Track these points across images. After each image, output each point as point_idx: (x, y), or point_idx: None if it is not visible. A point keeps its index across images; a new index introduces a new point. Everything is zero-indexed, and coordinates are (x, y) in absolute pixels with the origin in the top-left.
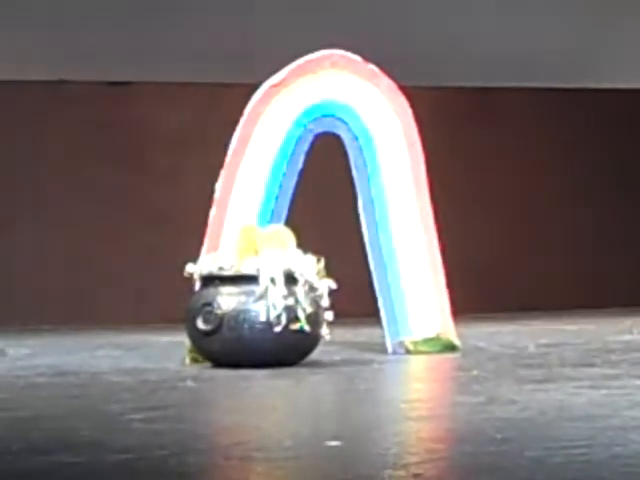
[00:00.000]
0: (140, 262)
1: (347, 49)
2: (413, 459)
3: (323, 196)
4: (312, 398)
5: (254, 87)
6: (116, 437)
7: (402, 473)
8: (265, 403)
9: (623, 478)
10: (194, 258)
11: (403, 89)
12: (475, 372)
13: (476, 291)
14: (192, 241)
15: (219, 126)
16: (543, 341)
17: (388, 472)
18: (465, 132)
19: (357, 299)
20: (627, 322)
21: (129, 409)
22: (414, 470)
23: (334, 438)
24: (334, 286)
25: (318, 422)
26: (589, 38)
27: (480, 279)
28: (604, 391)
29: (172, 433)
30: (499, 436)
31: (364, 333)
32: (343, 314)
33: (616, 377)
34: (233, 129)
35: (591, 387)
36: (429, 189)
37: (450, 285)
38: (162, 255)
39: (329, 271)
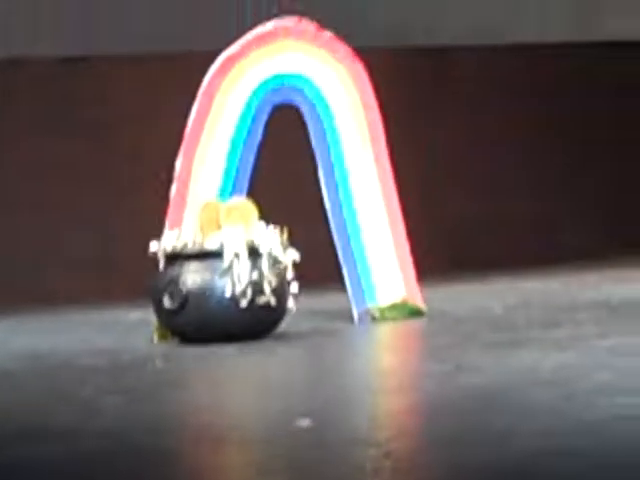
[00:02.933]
0: (103, 240)
1: (303, 15)
2: (383, 435)
3: (284, 167)
4: (281, 373)
5: (208, 55)
6: (90, 423)
7: (373, 452)
8: (235, 380)
9: (592, 446)
10: (157, 234)
11: (360, 54)
12: (442, 338)
13: (440, 253)
14: (154, 217)
15: (178, 98)
16: (509, 301)
17: (359, 451)
18: (426, 92)
19: (322, 268)
20: (591, 278)
21: (102, 392)
22: (385, 448)
23: (305, 415)
24: (298, 258)
25: (288, 399)
26: None
27: (444, 240)
28: (571, 353)
29: (144, 416)
30: (469, 407)
31: (330, 302)
32: (308, 284)
33: (582, 338)
34: (192, 100)
35: (558, 349)
36: (389, 153)
37: (413, 248)
38: (125, 232)
39: (293, 242)
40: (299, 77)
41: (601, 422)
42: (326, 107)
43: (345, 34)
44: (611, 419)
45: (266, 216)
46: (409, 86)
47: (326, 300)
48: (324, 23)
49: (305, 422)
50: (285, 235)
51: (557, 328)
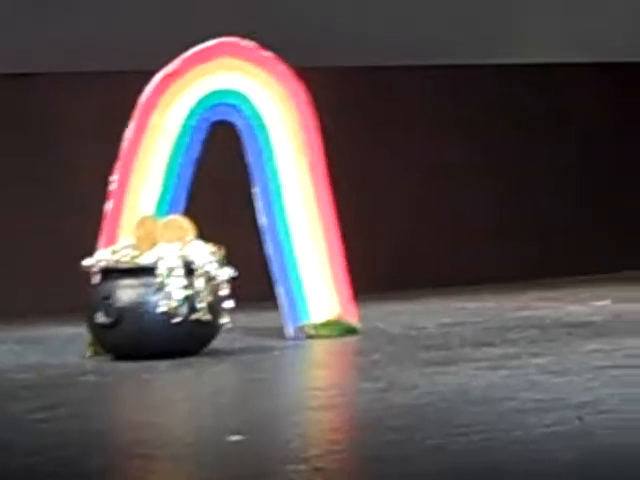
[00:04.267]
0: (37, 254)
1: (242, 35)
2: (314, 451)
3: (220, 184)
4: (213, 389)
5: (148, 75)
6: (19, 439)
7: (304, 467)
8: (167, 396)
9: (523, 463)
10: (92, 250)
11: (300, 72)
12: (375, 356)
13: (375, 270)
14: (91, 233)
15: (118, 115)
16: (443, 320)
17: (290, 467)
18: (368, 111)
19: (258, 284)
20: (524, 298)
21: (32, 408)
22: (315, 463)
23: (236, 432)
24: (234, 274)
25: (220, 415)
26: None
27: (380, 258)
28: (503, 372)
29: (75, 432)
30: (400, 424)
31: (265, 318)
32: (245, 300)
33: (515, 356)
34: (129, 117)
35: (490, 368)
36: (327, 172)
37: (350, 265)
38: (61, 246)
39: (229, 258)
40: (236, 95)
41: (532, 441)
42: (262, 125)
43: (286, 54)
44: (542, 437)
45: (203, 233)
46: (351, 106)
47: (261, 317)
48: (265, 42)
49: (236, 438)
50: (221, 252)
51: (490, 347)
